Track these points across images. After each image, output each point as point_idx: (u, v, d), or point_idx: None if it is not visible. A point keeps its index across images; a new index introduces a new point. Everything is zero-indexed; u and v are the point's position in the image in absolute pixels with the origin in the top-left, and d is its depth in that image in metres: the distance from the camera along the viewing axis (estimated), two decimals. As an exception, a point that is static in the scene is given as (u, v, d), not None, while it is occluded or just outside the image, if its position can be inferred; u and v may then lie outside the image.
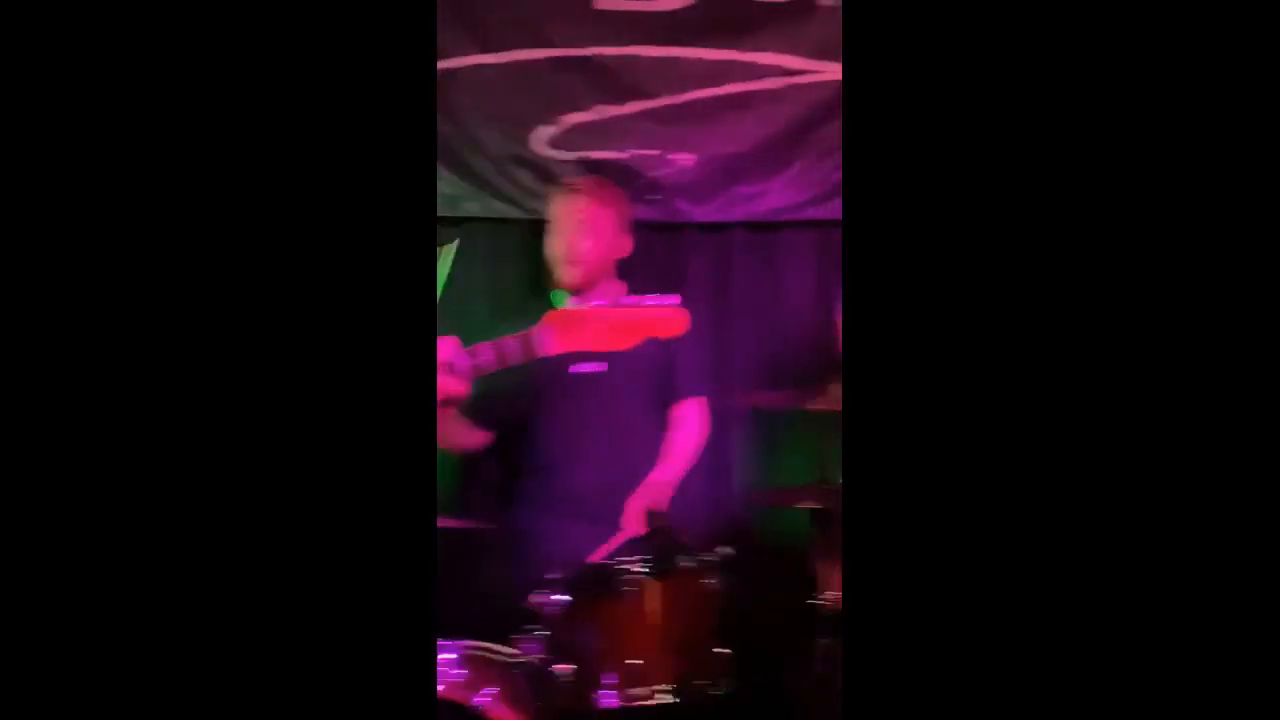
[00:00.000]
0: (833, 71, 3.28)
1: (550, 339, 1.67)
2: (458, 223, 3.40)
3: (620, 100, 3.36)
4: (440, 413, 1.62)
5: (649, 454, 3.03)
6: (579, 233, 2.92)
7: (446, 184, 3.39)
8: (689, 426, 3.08)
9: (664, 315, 1.69)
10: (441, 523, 2.85)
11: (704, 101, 3.36)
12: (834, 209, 3.36)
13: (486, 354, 1.65)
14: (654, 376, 3.05)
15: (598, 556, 2.58)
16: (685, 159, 3.42)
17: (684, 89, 3.35)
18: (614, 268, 3.06)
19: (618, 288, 3.07)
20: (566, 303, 1.73)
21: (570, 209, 2.95)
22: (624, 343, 1.69)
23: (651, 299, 1.74)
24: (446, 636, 2.54)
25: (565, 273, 2.94)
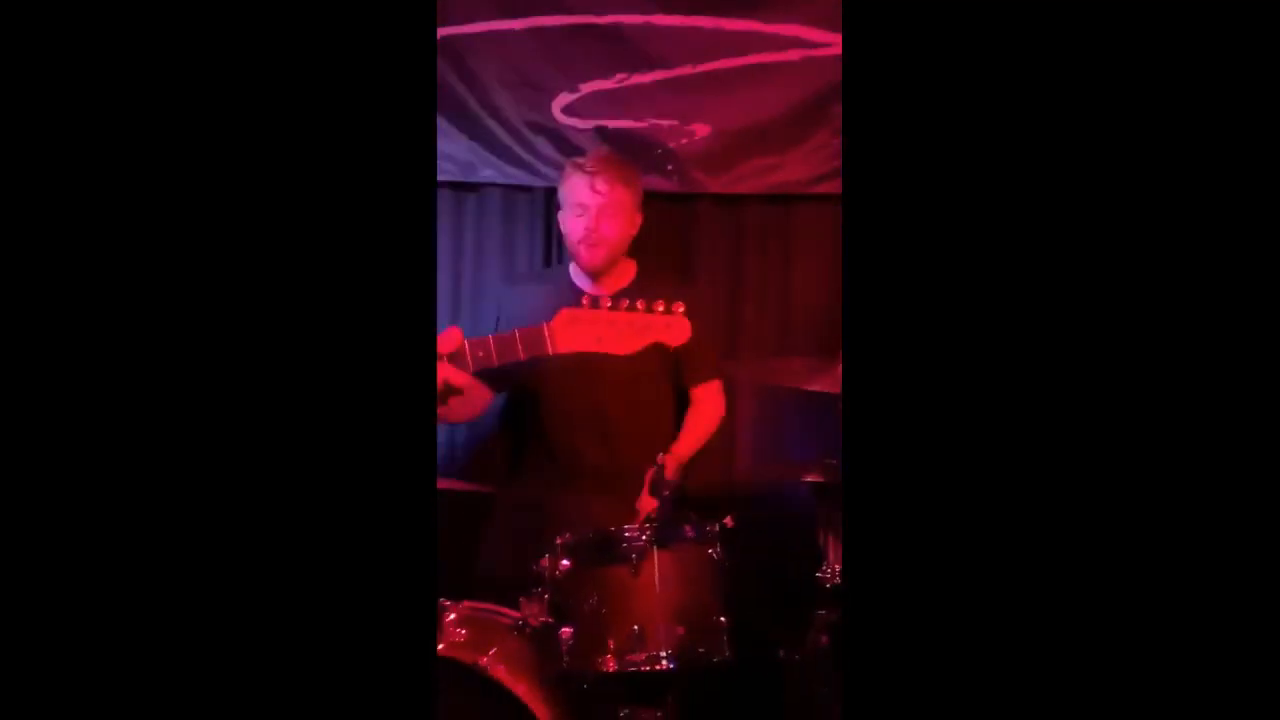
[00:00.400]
0: None
1: (557, 338, 1.68)
2: (474, 188, 3.41)
3: (639, 69, 3.34)
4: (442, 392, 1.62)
5: (665, 431, 3.04)
6: (603, 216, 2.88)
7: (464, 150, 3.38)
8: (706, 407, 3.09)
9: (670, 322, 1.70)
10: (447, 485, 2.90)
11: (723, 72, 3.33)
12: None
13: (490, 348, 1.66)
14: (672, 359, 3.03)
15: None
16: (702, 130, 3.39)
17: (703, 59, 3.32)
18: (628, 246, 3.05)
19: (629, 266, 3.07)
20: (583, 302, 1.70)
21: (593, 190, 2.89)
22: (629, 346, 1.71)
23: (659, 305, 1.75)
24: (451, 597, 2.56)
25: (587, 254, 2.93)
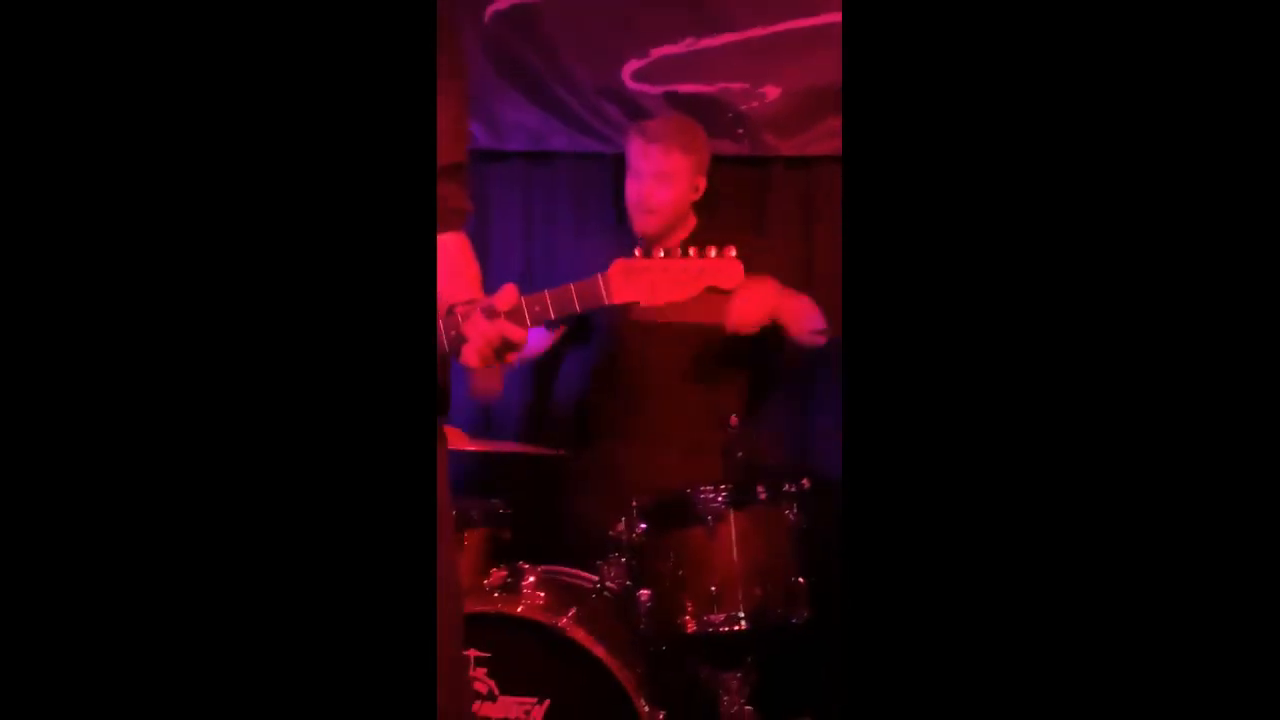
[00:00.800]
0: None
1: (612, 288, 1.67)
2: (545, 157, 3.42)
3: (709, 32, 3.31)
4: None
5: (734, 392, 3.04)
6: (657, 183, 2.88)
7: (535, 119, 3.40)
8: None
9: (722, 265, 1.68)
10: (514, 448, 2.95)
11: (793, 33, 3.29)
12: None
13: (546, 302, 1.65)
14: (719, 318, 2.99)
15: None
16: (773, 92, 3.36)
17: (773, 20, 3.29)
18: (689, 210, 3.04)
19: (689, 225, 3.06)
20: (635, 252, 1.70)
21: (649, 156, 2.89)
22: (684, 293, 1.68)
23: (711, 249, 1.74)
24: (528, 560, 2.62)
25: (640, 220, 2.94)
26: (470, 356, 1.65)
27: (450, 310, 1.68)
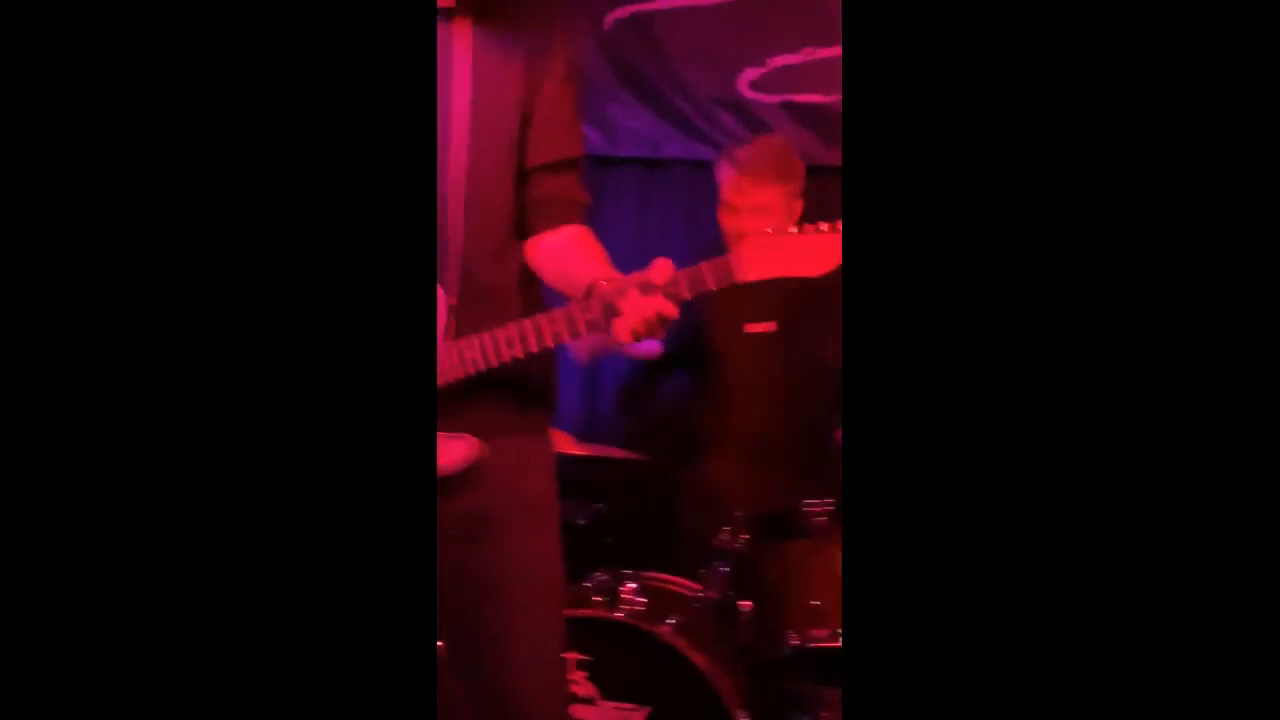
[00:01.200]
0: None
1: (745, 264, 1.63)
2: (660, 164, 3.46)
3: (826, 41, 3.32)
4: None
5: (821, 404, 2.97)
6: (752, 216, 2.75)
7: (649, 125, 3.44)
8: None
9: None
10: (604, 452, 2.92)
11: None
12: None
13: (680, 284, 1.63)
14: (824, 335, 2.96)
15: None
16: None
17: None
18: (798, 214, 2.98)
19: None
20: (767, 230, 1.67)
21: (743, 191, 2.79)
22: (821, 267, 1.64)
23: (840, 224, 1.68)
24: (628, 566, 2.63)
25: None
26: (623, 332, 1.63)
27: (589, 290, 1.66)
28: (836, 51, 3.31)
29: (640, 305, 1.61)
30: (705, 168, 3.39)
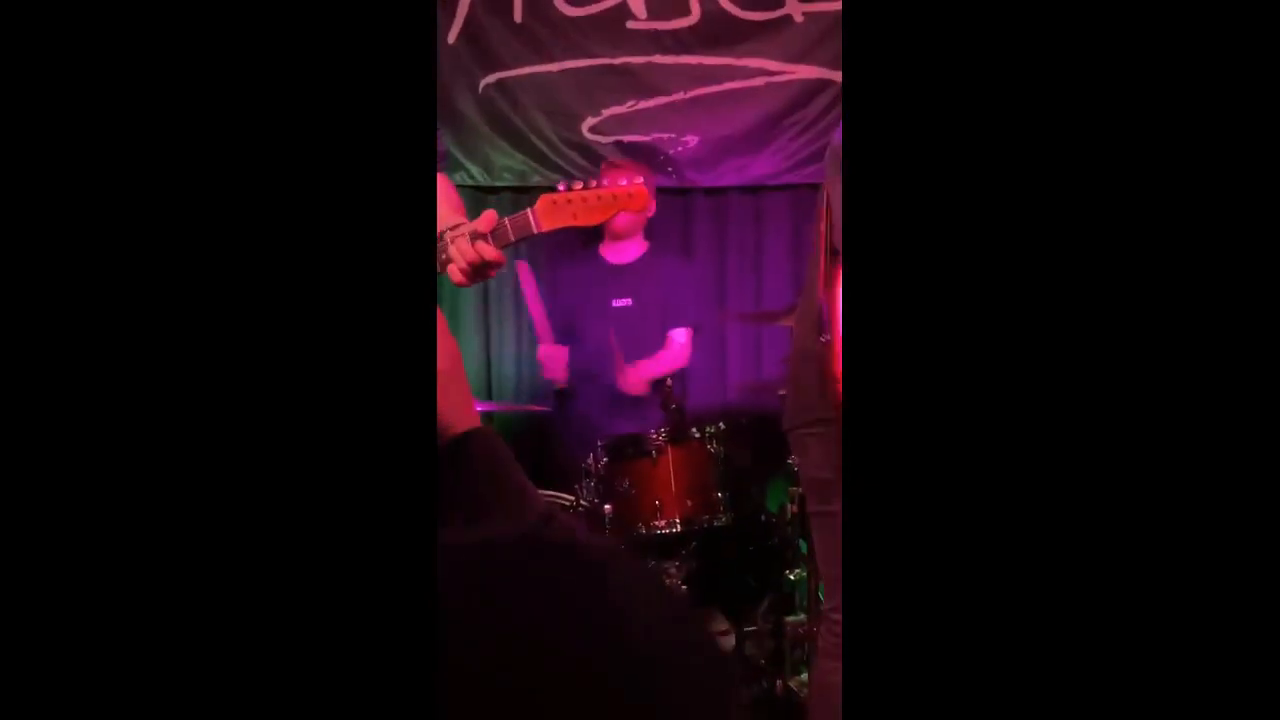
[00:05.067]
0: (803, 71, 3.56)
1: (540, 219, 1.64)
2: (529, 190, 3.61)
3: (645, 96, 3.59)
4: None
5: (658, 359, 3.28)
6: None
7: (518, 162, 3.63)
8: (676, 346, 3.31)
9: (631, 191, 1.66)
10: (507, 407, 3.24)
11: (708, 96, 3.59)
12: (806, 175, 3.60)
13: (504, 226, 1.64)
14: (662, 309, 3.27)
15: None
16: (692, 139, 3.63)
17: (692, 87, 3.59)
18: (643, 225, 3.32)
19: (642, 243, 3.34)
20: (558, 187, 1.67)
21: None
22: (599, 217, 1.66)
23: (622, 178, 1.72)
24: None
25: (617, 221, 3.12)
26: (456, 275, 1.59)
27: (441, 236, 1.60)
28: (653, 103, 3.56)
29: (465, 251, 1.57)
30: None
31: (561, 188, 1.63)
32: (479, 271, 1.59)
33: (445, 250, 1.57)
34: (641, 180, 1.70)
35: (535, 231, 1.62)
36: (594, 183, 1.65)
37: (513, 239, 1.62)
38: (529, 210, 1.63)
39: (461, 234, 1.58)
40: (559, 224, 1.63)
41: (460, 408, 1.08)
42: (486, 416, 3.18)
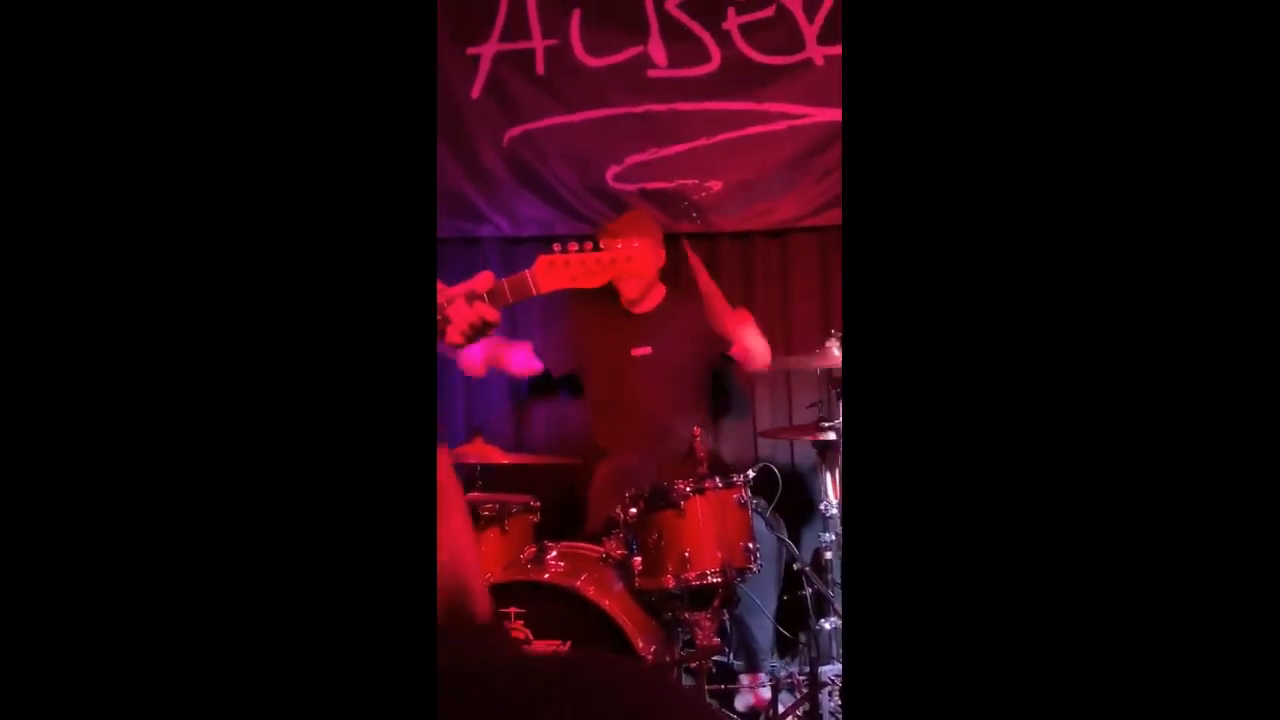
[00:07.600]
0: (826, 114, 3.42)
1: (539, 280, 1.60)
2: (551, 240, 3.48)
3: (667, 143, 3.48)
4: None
5: (685, 407, 3.17)
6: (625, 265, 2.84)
7: (543, 213, 3.53)
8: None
9: (630, 253, 1.61)
10: (538, 460, 3.06)
11: (730, 141, 3.47)
12: (830, 218, 3.47)
13: (504, 289, 1.60)
14: (692, 359, 3.13)
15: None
16: (716, 185, 3.51)
17: (714, 133, 3.47)
18: (657, 275, 3.19)
19: (660, 290, 3.21)
20: (554, 249, 1.62)
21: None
22: (598, 280, 1.62)
23: (619, 243, 1.66)
24: (551, 539, 2.69)
25: (625, 288, 3.10)
26: (454, 335, 1.56)
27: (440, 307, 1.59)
28: (673, 150, 3.45)
29: (465, 312, 1.54)
30: (584, 239, 3.56)
31: (557, 249, 1.60)
32: (478, 332, 1.56)
33: (442, 311, 1.55)
34: (637, 244, 1.64)
35: (534, 294, 1.58)
36: (589, 246, 1.60)
37: (510, 300, 1.59)
38: (527, 271, 1.58)
39: (457, 295, 1.55)
40: (558, 285, 1.59)
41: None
42: (518, 469, 3.05)
